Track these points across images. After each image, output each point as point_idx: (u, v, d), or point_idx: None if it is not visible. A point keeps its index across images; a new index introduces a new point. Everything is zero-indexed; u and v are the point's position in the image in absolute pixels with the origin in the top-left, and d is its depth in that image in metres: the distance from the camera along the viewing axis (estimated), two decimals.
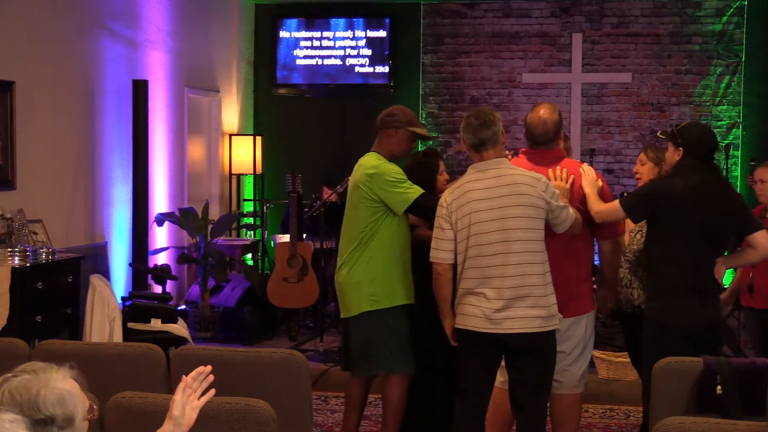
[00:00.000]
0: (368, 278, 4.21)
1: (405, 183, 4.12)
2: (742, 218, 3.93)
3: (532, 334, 3.60)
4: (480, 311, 3.61)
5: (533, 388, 3.70)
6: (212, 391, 2.36)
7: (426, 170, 4.03)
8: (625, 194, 4.55)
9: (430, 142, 6.37)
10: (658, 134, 4.28)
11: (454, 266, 3.72)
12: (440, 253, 3.72)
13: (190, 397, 2.31)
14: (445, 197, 3.75)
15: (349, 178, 4.36)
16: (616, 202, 3.99)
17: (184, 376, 2.34)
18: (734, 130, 8.78)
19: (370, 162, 4.22)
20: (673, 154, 3.98)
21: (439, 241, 3.72)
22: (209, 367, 2.36)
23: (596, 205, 3.98)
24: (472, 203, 3.65)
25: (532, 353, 3.66)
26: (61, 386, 1.98)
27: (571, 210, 3.77)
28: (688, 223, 3.85)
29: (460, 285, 3.70)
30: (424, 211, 4.11)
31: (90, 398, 2.09)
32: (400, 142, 4.27)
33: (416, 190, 4.10)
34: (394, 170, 4.15)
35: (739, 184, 8.56)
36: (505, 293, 3.58)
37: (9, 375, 1.98)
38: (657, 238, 3.96)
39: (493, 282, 3.60)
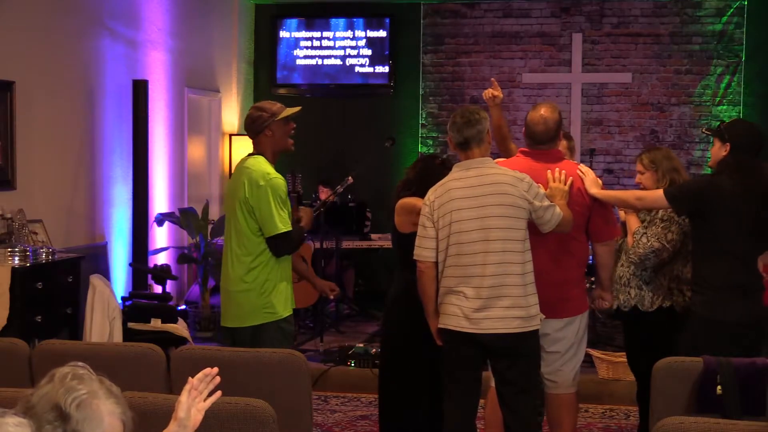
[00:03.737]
0: (261, 288, 4.07)
1: (284, 211, 4.01)
2: None
3: (511, 334, 3.60)
4: (459, 310, 3.62)
5: (519, 390, 3.69)
6: (218, 393, 2.34)
7: (435, 179, 3.99)
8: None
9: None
10: (703, 131, 4.30)
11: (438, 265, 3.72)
12: (423, 251, 3.73)
13: (196, 398, 2.30)
14: (429, 196, 3.75)
15: (236, 176, 4.17)
16: (660, 192, 3.97)
17: (190, 378, 2.31)
18: None
19: (260, 169, 4.05)
20: (719, 150, 3.99)
21: (422, 239, 3.74)
22: (216, 369, 2.34)
23: (633, 192, 3.97)
24: (454, 201, 3.66)
25: (512, 354, 3.66)
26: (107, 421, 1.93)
27: (557, 209, 3.73)
28: (739, 221, 3.85)
29: (441, 283, 3.71)
30: (282, 247, 4.03)
31: None
32: (278, 138, 4.15)
33: (286, 224, 4.00)
34: (282, 190, 4.03)
35: None
36: (484, 292, 3.58)
37: (68, 371, 1.94)
38: (705, 234, 3.94)
39: (472, 281, 3.61)
